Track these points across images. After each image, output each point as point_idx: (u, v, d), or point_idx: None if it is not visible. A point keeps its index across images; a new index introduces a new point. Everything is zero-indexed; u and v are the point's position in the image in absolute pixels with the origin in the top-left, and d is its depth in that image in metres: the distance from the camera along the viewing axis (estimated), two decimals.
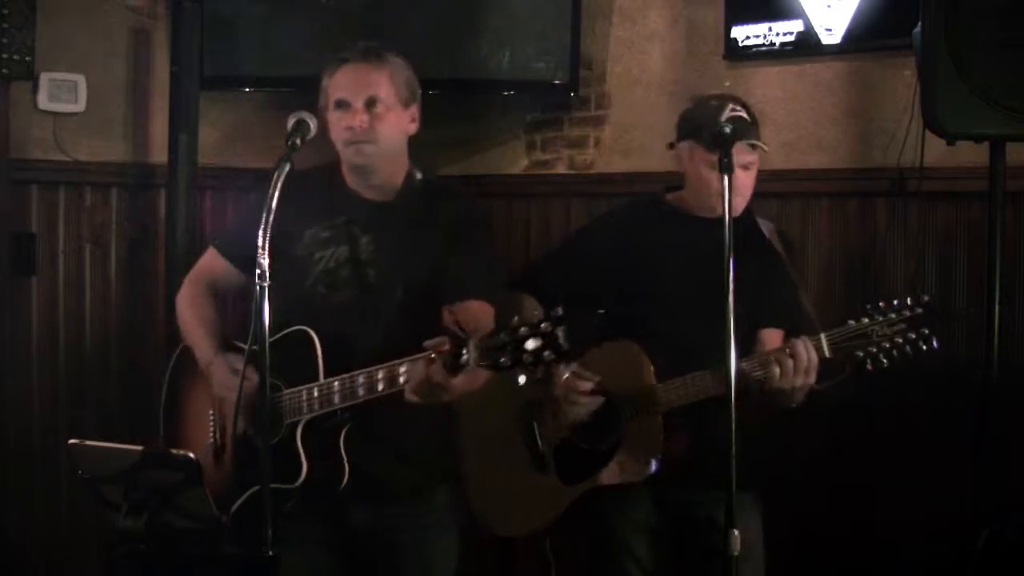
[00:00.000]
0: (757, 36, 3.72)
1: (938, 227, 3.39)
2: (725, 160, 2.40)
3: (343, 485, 2.43)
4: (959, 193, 3.31)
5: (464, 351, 2.12)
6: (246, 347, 2.54)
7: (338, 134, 2.56)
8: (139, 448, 2.32)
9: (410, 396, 2.27)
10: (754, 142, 2.73)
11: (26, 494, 3.81)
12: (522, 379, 2.09)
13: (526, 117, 4.33)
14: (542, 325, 2.04)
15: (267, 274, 2.18)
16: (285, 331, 2.49)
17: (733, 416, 2.35)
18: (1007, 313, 2.99)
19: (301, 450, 2.43)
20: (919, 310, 2.54)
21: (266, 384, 2.20)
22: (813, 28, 3.61)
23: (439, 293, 2.47)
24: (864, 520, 3.42)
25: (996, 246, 2.91)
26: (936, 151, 3.13)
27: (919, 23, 2.84)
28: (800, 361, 2.56)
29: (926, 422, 3.32)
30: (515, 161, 4.38)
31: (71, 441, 2.39)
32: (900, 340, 2.54)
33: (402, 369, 2.29)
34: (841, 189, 3.58)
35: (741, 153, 2.70)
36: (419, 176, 2.66)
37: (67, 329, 3.90)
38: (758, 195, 3.06)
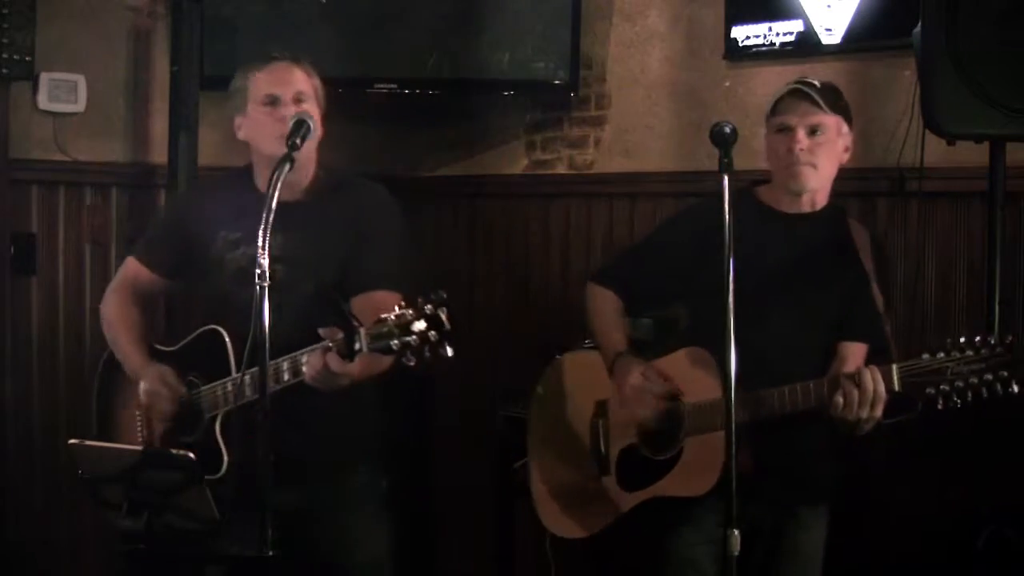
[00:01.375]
0: (757, 36, 3.72)
1: (938, 227, 3.39)
2: (725, 160, 2.36)
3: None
4: (959, 193, 3.31)
5: (356, 339, 2.24)
6: (169, 349, 2.77)
7: (268, 130, 2.60)
8: (139, 448, 2.32)
9: (310, 382, 2.39)
10: (804, 89, 2.65)
11: (26, 494, 3.81)
12: (412, 362, 2.18)
13: (526, 117, 4.32)
14: (426, 307, 2.16)
15: (267, 274, 2.20)
16: (198, 331, 2.65)
17: (733, 417, 2.29)
18: (1007, 313, 2.99)
19: (221, 442, 2.54)
20: (999, 350, 2.39)
21: (266, 386, 2.20)
22: (813, 28, 3.61)
23: (348, 284, 2.56)
24: (864, 520, 3.42)
25: (996, 246, 2.90)
26: (936, 151, 3.13)
27: (919, 23, 2.84)
28: (866, 393, 2.45)
29: (926, 422, 3.32)
30: (515, 161, 4.38)
31: (71, 441, 2.39)
32: (976, 381, 2.39)
33: (304, 359, 2.40)
34: (841, 189, 3.56)
35: (802, 115, 2.66)
36: (324, 174, 2.72)
37: (67, 329, 3.89)
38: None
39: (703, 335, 2.70)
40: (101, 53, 3.91)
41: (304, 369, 2.41)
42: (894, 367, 2.46)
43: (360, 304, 2.46)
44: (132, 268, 2.89)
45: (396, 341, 2.17)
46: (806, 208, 2.76)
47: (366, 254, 2.63)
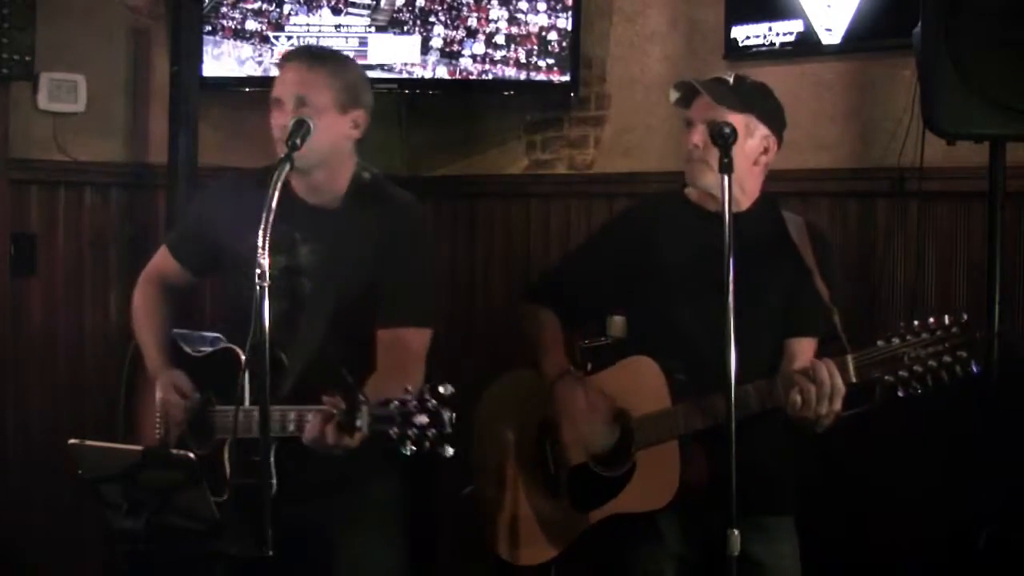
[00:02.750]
0: (757, 36, 3.72)
1: (938, 227, 3.39)
2: (725, 160, 2.33)
3: (272, 493, 2.37)
4: (959, 193, 3.31)
5: (358, 416, 2.18)
6: (194, 354, 2.68)
7: (274, 133, 2.53)
8: (139, 448, 2.32)
9: (306, 443, 2.32)
10: (720, 93, 2.58)
11: (26, 494, 3.81)
12: (408, 452, 2.14)
13: (526, 117, 4.32)
14: (429, 402, 2.12)
15: (267, 274, 2.18)
16: (215, 348, 2.59)
17: (733, 416, 2.28)
18: (1007, 313, 2.99)
19: (227, 467, 2.48)
20: (955, 330, 2.32)
21: (266, 386, 2.20)
22: (813, 28, 3.61)
23: (372, 310, 2.48)
24: (863, 520, 3.42)
25: (996, 246, 2.90)
26: (936, 151, 3.12)
27: (919, 23, 2.84)
28: (823, 387, 2.36)
29: (926, 421, 3.32)
30: (515, 161, 4.38)
31: (71, 441, 2.39)
32: (935, 364, 2.32)
33: (310, 416, 2.32)
34: (841, 189, 3.58)
35: (701, 110, 2.61)
36: (367, 178, 2.62)
37: (67, 329, 3.89)
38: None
39: (645, 343, 2.65)
40: (101, 53, 3.91)
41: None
42: (849, 358, 2.38)
43: (387, 339, 2.42)
44: (163, 258, 2.82)
45: (396, 429, 2.14)
46: (734, 206, 2.55)
47: (396, 282, 2.52)
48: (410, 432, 2.12)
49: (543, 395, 2.76)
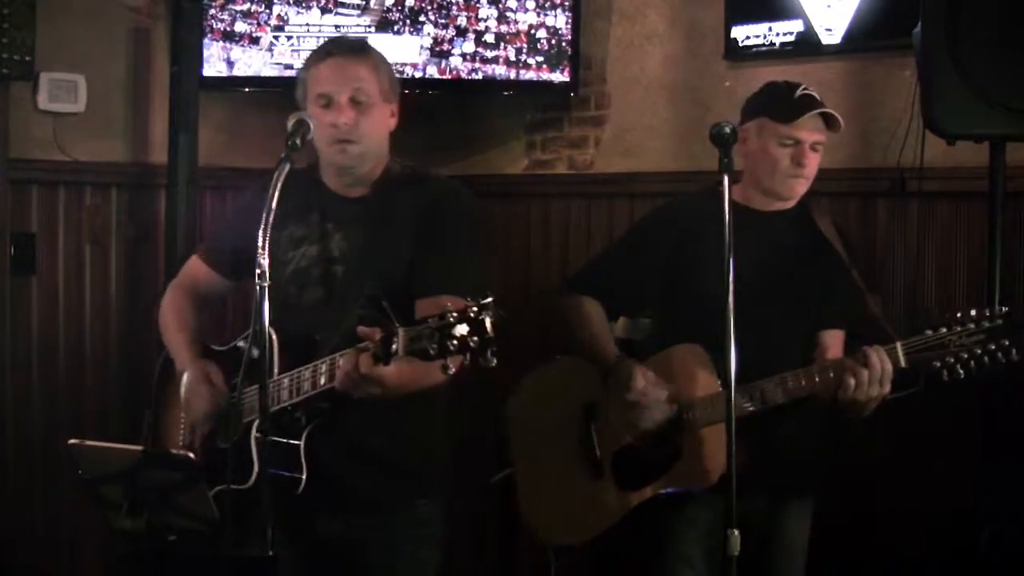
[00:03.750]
0: (757, 36, 3.72)
1: (938, 227, 3.39)
2: (725, 160, 2.37)
3: (300, 489, 2.34)
4: (959, 193, 3.31)
5: (394, 340, 2.05)
6: (225, 348, 2.61)
7: (321, 132, 2.43)
8: (139, 448, 2.32)
9: (340, 387, 2.21)
10: (828, 112, 2.68)
11: (26, 494, 3.81)
12: (451, 371, 2.01)
13: (526, 117, 4.33)
14: (470, 312, 1.98)
15: (267, 274, 2.14)
16: (245, 333, 2.46)
17: (733, 417, 2.31)
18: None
19: (254, 449, 2.38)
20: (999, 321, 2.46)
21: (266, 387, 2.18)
22: (813, 28, 3.61)
23: (411, 288, 2.40)
24: (865, 520, 3.42)
25: (996, 246, 2.90)
26: (936, 151, 3.12)
27: (919, 23, 2.84)
28: (875, 371, 2.49)
29: (927, 421, 3.32)
30: (515, 161, 4.38)
31: (71, 441, 2.39)
32: (979, 351, 2.45)
33: (341, 361, 2.22)
34: (841, 189, 3.58)
35: (812, 132, 2.69)
36: (399, 168, 2.57)
37: (67, 329, 3.89)
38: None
39: (688, 334, 2.72)
40: (101, 53, 3.91)
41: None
42: (899, 344, 2.50)
43: (425, 309, 2.28)
44: (194, 266, 2.74)
45: (435, 344, 2.00)
46: (778, 206, 2.78)
47: (434, 254, 2.44)
48: (450, 345, 1.98)
49: (587, 380, 2.83)
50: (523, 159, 4.36)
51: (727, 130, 2.37)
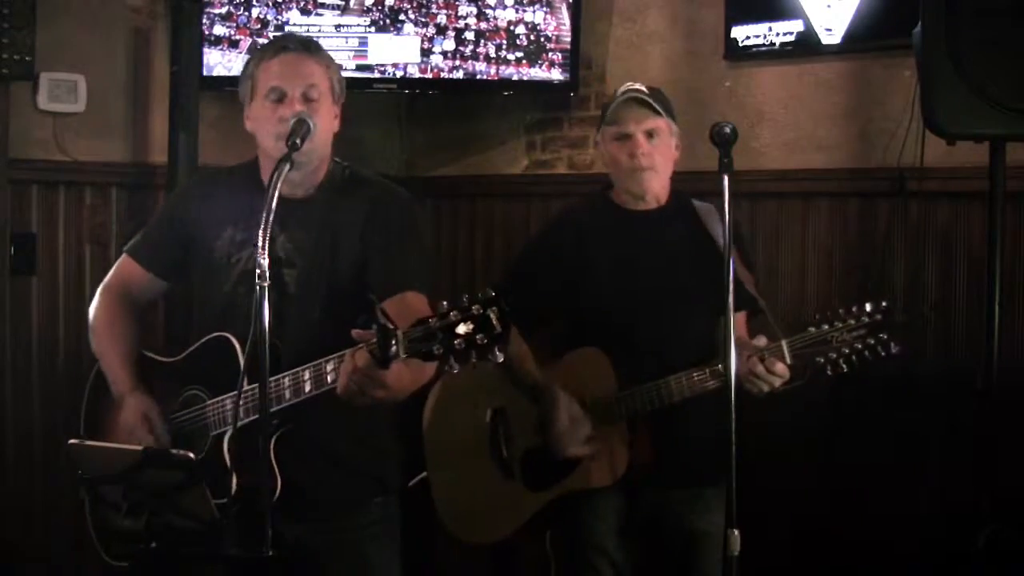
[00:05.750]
0: (757, 36, 3.72)
1: (938, 227, 3.39)
2: (725, 160, 2.39)
3: (276, 496, 2.27)
4: (959, 193, 3.31)
5: (393, 341, 2.00)
6: (165, 360, 2.57)
7: (269, 127, 2.41)
8: (139, 448, 2.31)
9: (342, 394, 2.15)
10: (641, 97, 2.81)
11: (26, 494, 3.81)
12: (455, 370, 1.98)
13: (526, 117, 4.33)
14: (473, 307, 1.93)
15: (267, 274, 2.12)
16: (203, 339, 2.42)
17: (733, 416, 2.34)
18: (1007, 313, 2.99)
19: (229, 461, 2.33)
20: (878, 316, 2.60)
21: (265, 386, 2.16)
22: (813, 28, 3.61)
23: (368, 288, 2.36)
24: (864, 520, 3.42)
25: (996, 246, 2.90)
26: (936, 151, 3.13)
27: (919, 23, 2.84)
28: (764, 378, 2.66)
29: (926, 422, 3.32)
30: (515, 161, 4.38)
31: (71, 441, 2.39)
32: (859, 346, 2.59)
33: (329, 367, 2.19)
34: (841, 189, 3.58)
35: (638, 122, 2.81)
36: (341, 171, 2.54)
37: (67, 329, 3.89)
38: (758, 195, 3.05)
39: (591, 336, 2.85)
40: (101, 53, 3.91)
41: (329, 379, 2.20)
42: (784, 343, 2.66)
43: (390, 308, 2.18)
44: (125, 267, 2.66)
45: (438, 345, 1.95)
46: (652, 205, 2.90)
47: (388, 255, 2.43)
48: (456, 344, 1.94)
49: (495, 386, 2.94)
50: (523, 159, 4.36)
51: (727, 130, 2.40)
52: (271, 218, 2.16)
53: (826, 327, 2.63)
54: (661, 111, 2.85)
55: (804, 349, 2.64)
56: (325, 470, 2.46)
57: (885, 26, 3.44)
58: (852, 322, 2.61)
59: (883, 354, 2.59)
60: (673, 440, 2.80)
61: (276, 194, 2.18)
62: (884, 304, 2.62)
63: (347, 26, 3.99)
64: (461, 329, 1.94)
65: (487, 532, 3.02)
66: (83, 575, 3.84)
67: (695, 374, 2.74)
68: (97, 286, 3.87)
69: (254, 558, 2.16)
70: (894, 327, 2.60)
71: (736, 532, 2.30)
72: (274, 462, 2.26)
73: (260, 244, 2.13)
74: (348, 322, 2.15)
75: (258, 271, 2.13)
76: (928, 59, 2.80)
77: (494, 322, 1.93)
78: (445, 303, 1.98)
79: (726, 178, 2.38)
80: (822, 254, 3.61)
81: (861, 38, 3.52)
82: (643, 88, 2.89)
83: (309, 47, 2.48)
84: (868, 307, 2.62)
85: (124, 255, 2.70)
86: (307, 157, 2.41)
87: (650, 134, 2.83)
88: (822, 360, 2.60)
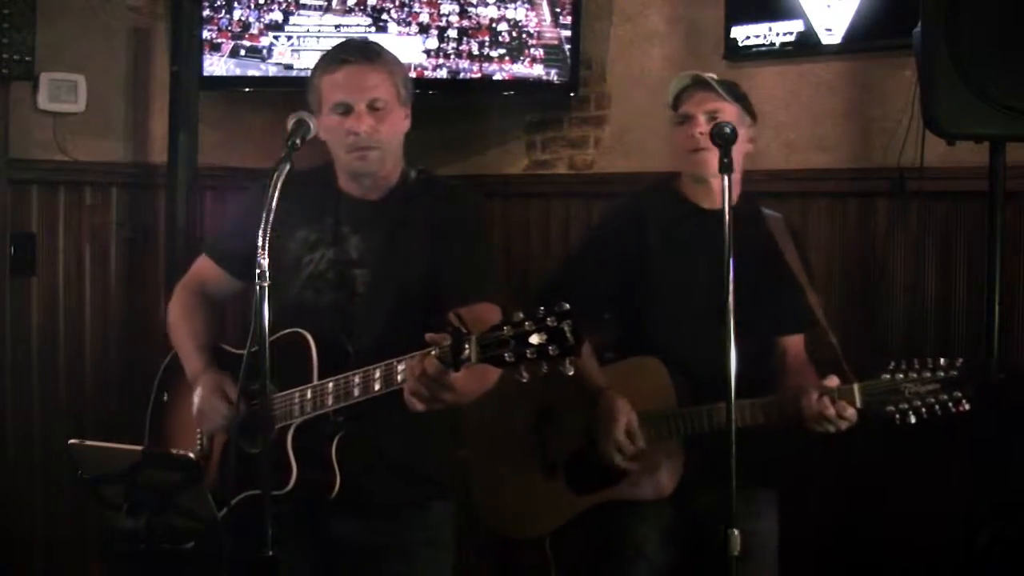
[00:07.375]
0: (757, 36, 3.72)
1: (938, 227, 3.39)
2: (725, 160, 2.35)
3: (334, 494, 2.34)
4: (959, 193, 3.31)
5: (465, 346, 2.00)
6: (240, 352, 2.50)
7: (339, 139, 2.45)
8: (139, 448, 2.32)
9: (410, 398, 2.16)
10: (706, 79, 2.71)
11: (26, 494, 3.81)
12: (525, 378, 1.98)
13: (526, 117, 4.33)
14: (548, 320, 1.94)
15: (267, 274, 2.13)
16: (278, 333, 2.41)
17: (733, 416, 2.33)
18: (1007, 313, 2.99)
19: (292, 455, 2.36)
20: (953, 372, 2.53)
21: (266, 386, 2.17)
22: (813, 28, 3.61)
23: (440, 295, 2.38)
24: (865, 520, 3.42)
25: (996, 246, 2.90)
26: (936, 151, 3.13)
27: (919, 23, 2.84)
28: (833, 423, 2.57)
29: (926, 422, 3.32)
30: (515, 161, 4.38)
31: (71, 441, 2.39)
32: (932, 400, 2.52)
33: (400, 367, 2.20)
34: (841, 189, 3.58)
35: (700, 104, 2.71)
36: (414, 174, 2.57)
37: (67, 329, 3.90)
38: (758, 195, 3.02)
39: (648, 341, 2.76)
40: (101, 53, 3.91)
41: (399, 379, 2.19)
42: (855, 386, 2.58)
43: (467, 317, 2.15)
44: (202, 265, 2.70)
45: (510, 353, 1.95)
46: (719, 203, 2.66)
47: (463, 261, 2.44)
48: (528, 353, 1.94)
49: (542, 383, 2.78)
50: (523, 159, 4.36)
51: (727, 130, 2.37)
52: (271, 218, 2.16)
53: (900, 377, 2.54)
54: (726, 95, 2.72)
55: (875, 396, 2.56)
56: (380, 470, 2.47)
57: (885, 26, 3.44)
58: (928, 374, 2.53)
59: (953, 411, 2.52)
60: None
61: (275, 195, 2.18)
62: (960, 361, 2.54)
63: (347, 26, 3.99)
64: (534, 339, 1.95)
65: (526, 528, 2.96)
66: (83, 574, 3.85)
67: (748, 410, 2.63)
68: (97, 286, 3.88)
69: (254, 558, 2.16)
70: (970, 384, 2.52)
71: (736, 532, 2.29)
72: (335, 460, 2.33)
73: (261, 244, 2.14)
74: (416, 324, 2.17)
75: (257, 271, 2.13)
76: (928, 59, 2.80)
77: (567, 334, 1.93)
78: (520, 313, 1.98)
79: (726, 178, 2.36)
80: (822, 254, 3.60)
81: (861, 38, 3.52)
82: (711, 74, 2.78)
83: (370, 56, 2.46)
84: (942, 361, 2.54)
85: (202, 254, 2.73)
86: (375, 167, 2.45)
87: (712, 116, 2.67)
88: (892, 409, 2.53)
